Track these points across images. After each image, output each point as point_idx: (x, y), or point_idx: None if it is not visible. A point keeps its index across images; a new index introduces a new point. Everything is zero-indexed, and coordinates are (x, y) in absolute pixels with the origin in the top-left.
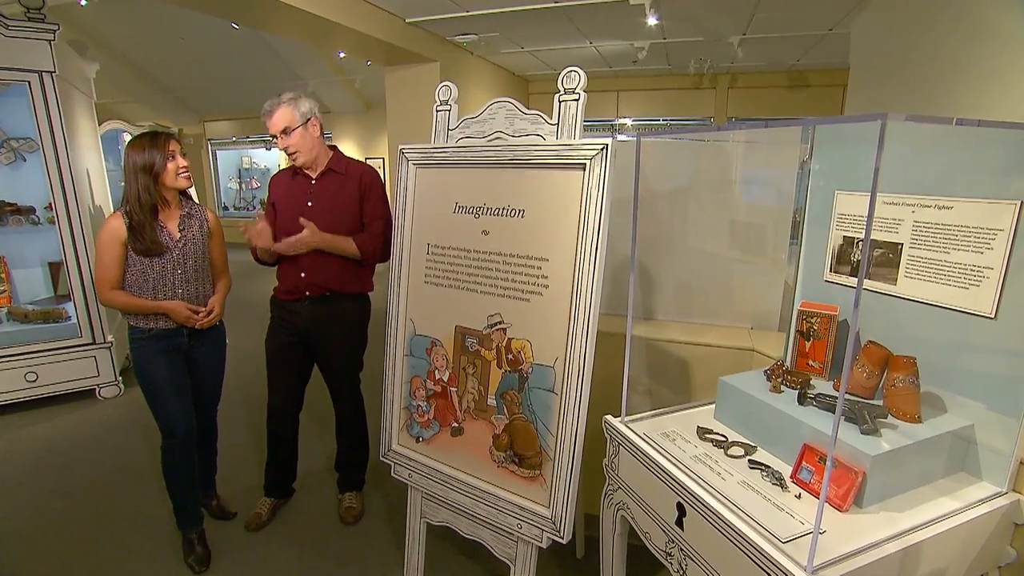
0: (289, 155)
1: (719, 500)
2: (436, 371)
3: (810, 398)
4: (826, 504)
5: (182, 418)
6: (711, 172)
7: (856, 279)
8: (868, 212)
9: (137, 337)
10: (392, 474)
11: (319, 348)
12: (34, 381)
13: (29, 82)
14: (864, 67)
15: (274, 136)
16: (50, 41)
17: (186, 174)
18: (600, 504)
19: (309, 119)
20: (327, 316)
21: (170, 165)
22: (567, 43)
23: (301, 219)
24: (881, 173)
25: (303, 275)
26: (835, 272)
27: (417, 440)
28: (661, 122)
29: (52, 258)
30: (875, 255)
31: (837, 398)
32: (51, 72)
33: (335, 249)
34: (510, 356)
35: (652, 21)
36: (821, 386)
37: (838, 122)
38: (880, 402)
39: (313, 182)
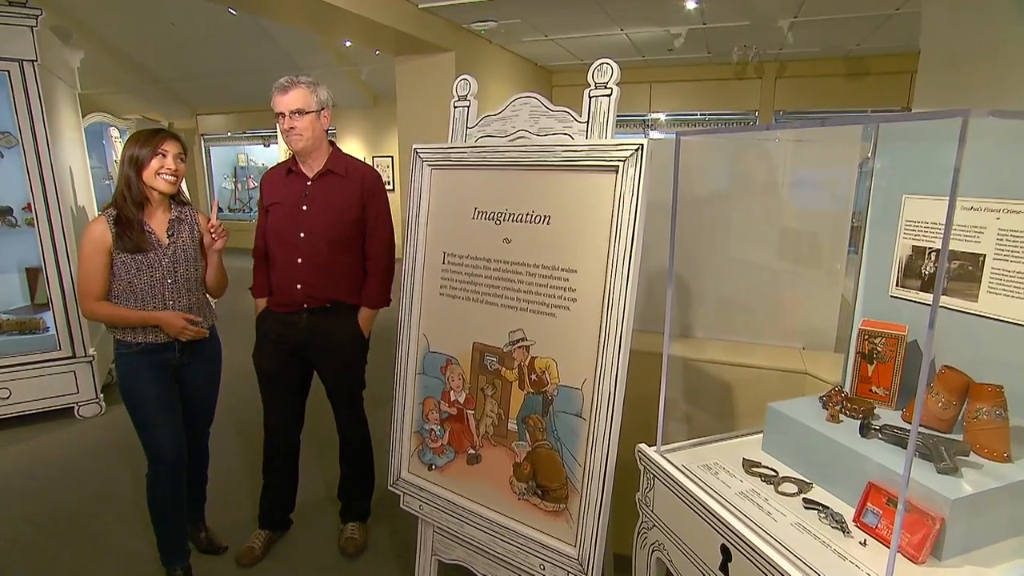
0: (289, 138)
1: (770, 544)
2: (451, 392)
3: (875, 430)
4: (898, 554)
5: (171, 442)
6: (757, 173)
7: (929, 295)
8: (946, 219)
9: (123, 351)
10: (401, 505)
11: (317, 364)
12: (7, 398)
13: (8, 71)
14: (937, 51)
15: (280, 114)
16: (32, 27)
17: (169, 177)
18: (632, 544)
19: (323, 109)
20: (327, 329)
21: (153, 162)
22: (596, 30)
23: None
24: (959, 174)
25: (299, 287)
26: (902, 287)
27: (429, 468)
28: (698, 117)
29: (30, 263)
30: (952, 267)
31: (908, 431)
32: (32, 61)
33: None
34: (533, 376)
35: (691, 5)
36: (887, 416)
37: (908, 120)
38: (960, 437)
39: (309, 183)
